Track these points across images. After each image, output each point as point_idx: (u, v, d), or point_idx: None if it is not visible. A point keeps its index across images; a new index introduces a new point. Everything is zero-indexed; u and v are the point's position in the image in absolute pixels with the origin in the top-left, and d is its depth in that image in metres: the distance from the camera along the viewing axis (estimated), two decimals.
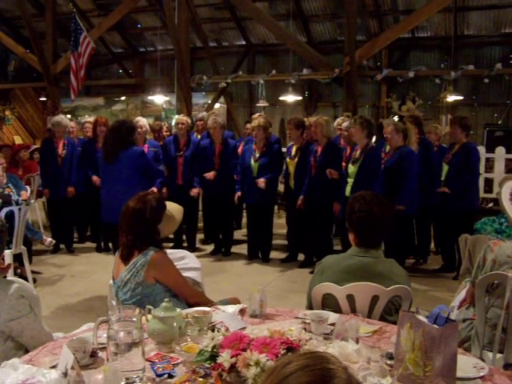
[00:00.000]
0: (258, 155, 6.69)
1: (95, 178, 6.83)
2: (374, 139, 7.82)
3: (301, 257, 6.84)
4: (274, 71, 11.23)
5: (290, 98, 11.92)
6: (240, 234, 8.15)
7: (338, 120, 7.52)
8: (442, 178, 6.28)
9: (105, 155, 5.28)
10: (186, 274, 3.16)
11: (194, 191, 7.00)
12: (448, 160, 6.22)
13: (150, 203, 2.88)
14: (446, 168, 6.25)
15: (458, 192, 5.98)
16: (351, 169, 5.87)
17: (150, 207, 2.87)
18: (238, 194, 6.87)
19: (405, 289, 2.66)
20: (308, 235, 6.57)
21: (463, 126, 6.07)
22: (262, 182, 6.51)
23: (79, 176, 7.22)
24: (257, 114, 7.84)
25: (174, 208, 3.16)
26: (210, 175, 6.91)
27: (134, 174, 5.12)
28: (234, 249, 7.36)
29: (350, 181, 5.85)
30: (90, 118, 8.24)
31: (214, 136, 7.03)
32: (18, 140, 15.43)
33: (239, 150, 7.48)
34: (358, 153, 5.85)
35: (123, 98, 15.46)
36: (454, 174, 6.09)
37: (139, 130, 6.88)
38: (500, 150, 8.71)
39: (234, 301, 2.98)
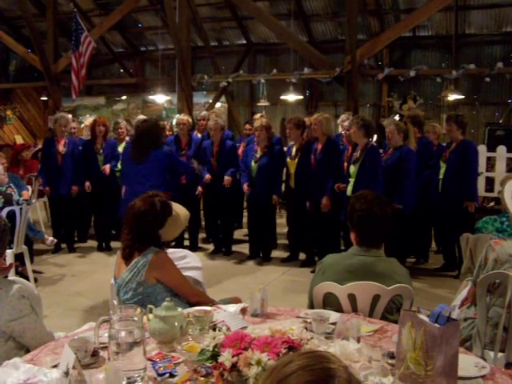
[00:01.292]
0: (258, 156, 6.68)
1: (87, 185, 7.15)
2: (375, 139, 7.80)
3: (302, 256, 6.84)
4: (274, 70, 11.23)
5: (291, 97, 11.92)
6: (241, 233, 8.15)
7: (342, 116, 7.49)
8: (440, 177, 6.27)
9: (134, 155, 5.25)
10: (187, 273, 3.16)
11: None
12: (446, 158, 6.22)
13: (156, 207, 2.87)
14: (443, 166, 6.25)
15: (456, 190, 5.98)
16: (352, 169, 5.86)
17: (154, 211, 2.86)
18: (246, 184, 6.74)
19: (406, 288, 2.66)
20: (309, 234, 6.57)
21: (459, 124, 6.06)
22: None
23: (79, 176, 7.23)
24: (258, 114, 7.82)
25: (180, 212, 3.13)
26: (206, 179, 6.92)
27: (161, 174, 5.12)
28: (235, 248, 7.36)
29: (352, 180, 5.85)
30: (90, 118, 8.17)
31: (213, 137, 7.02)
32: (19, 140, 15.43)
33: (240, 150, 7.48)
34: (359, 152, 5.84)
35: (124, 97, 15.45)
36: (451, 172, 6.08)
37: None
38: (501, 149, 8.69)
39: (235, 300, 2.98)
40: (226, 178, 6.80)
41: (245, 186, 6.78)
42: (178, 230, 3.14)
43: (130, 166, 5.35)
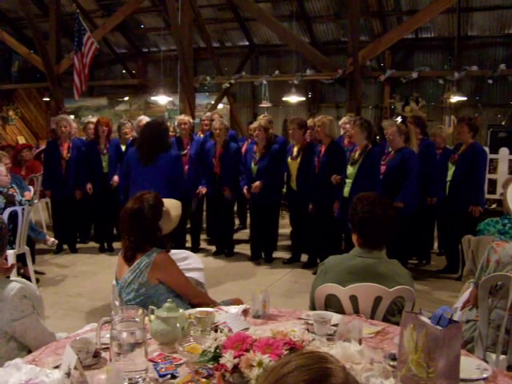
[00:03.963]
0: (258, 158, 6.66)
1: (89, 187, 7.14)
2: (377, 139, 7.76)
3: (304, 257, 6.84)
4: (277, 72, 11.21)
5: (293, 98, 11.91)
6: (245, 234, 8.14)
7: (344, 119, 7.48)
8: (448, 179, 6.26)
9: (142, 158, 5.23)
10: (188, 274, 3.16)
11: (202, 190, 6.97)
12: (454, 160, 6.21)
13: (147, 201, 2.90)
14: (452, 168, 6.24)
15: (464, 192, 5.97)
16: (350, 170, 5.84)
17: (147, 205, 2.88)
18: (245, 187, 6.79)
19: (408, 290, 2.66)
20: (311, 236, 6.56)
21: (471, 126, 6.06)
22: (256, 186, 6.53)
23: (82, 178, 7.22)
24: (262, 115, 7.80)
25: (170, 204, 3.15)
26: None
27: (165, 177, 5.12)
28: (238, 249, 7.36)
29: (349, 181, 5.84)
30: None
31: (218, 138, 7.00)
32: (21, 140, 15.45)
33: (243, 149, 7.44)
34: (358, 154, 5.83)
35: (126, 98, 15.46)
36: (460, 175, 6.07)
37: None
38: (504, 151, 8.69)
39: (237, 301, 2.98)
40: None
41: (244, 190, 6.81)
42: (174, 219, 3.13)
43: (138, 168, 5.32)
